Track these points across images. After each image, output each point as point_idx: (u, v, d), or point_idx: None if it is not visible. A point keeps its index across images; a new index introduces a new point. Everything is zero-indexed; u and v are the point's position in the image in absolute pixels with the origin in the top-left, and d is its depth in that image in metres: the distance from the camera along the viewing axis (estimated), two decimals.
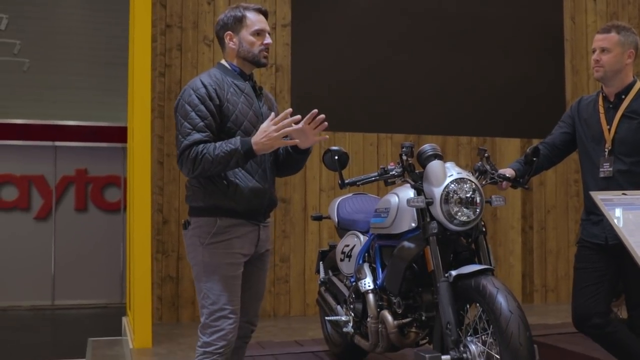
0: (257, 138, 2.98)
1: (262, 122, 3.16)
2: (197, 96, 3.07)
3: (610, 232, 3.41)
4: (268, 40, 3.26)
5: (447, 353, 2.97)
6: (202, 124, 3.04)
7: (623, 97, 3.65)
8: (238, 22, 3.22)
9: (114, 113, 10.14)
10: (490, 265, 3.15)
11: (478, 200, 3.15)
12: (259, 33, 3.23)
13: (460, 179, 3.16)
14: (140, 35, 5.65)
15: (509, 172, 3.58)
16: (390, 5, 7.39)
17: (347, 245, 4.05)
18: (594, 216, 3.62)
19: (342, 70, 7.14)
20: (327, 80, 7.03)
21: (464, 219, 3.13)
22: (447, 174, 3.17)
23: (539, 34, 7.87)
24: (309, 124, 3.09)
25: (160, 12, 6.72)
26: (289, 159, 3.33)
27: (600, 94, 3.75)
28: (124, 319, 6.85)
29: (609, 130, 3.62)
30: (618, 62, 3.61)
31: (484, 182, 3.32)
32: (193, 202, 3.19)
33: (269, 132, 2.96)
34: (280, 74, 7.00)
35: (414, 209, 3.29)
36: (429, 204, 3.14)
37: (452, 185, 3.14)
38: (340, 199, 4.44)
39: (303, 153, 3.27)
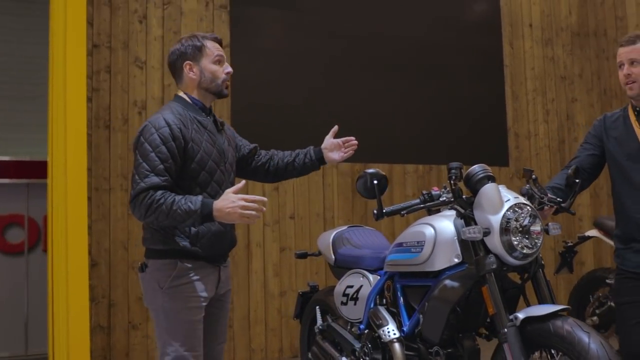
0: (220, 204, 2.77)
1: (225, 161, 3.06)
2: (159, 135, 2.85)
3: None
4: (229, 68, 3.08)
5: None
6: (161, 166, 2.83)
7: None
8: (198, 51, 3.03)
9: (8, 148, 9.21)
10: (554, 302, 2.72)
11: (539, 229, 2.71)
12: (219, 60, 3.05)
13: (518, 204, 2.72)
14: (73, 59, 5.05)
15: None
16: (332, 30, 6.97)
17: (351, 287, 3.50)
18: (636, 244, 3.26)
19: (284, 96, 6.65)
20: (268, 106, 6.52)
21: (525, 250, 2.69)
22: (504, 199, 2.72)
23: (479, 60, 7.68)
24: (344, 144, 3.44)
25: (87, 30, 5.98)
26: (310, 167, 3.69)
27: (631, 109, 3.41)
28: None
29: None
30: None
31: None
32: (151, 245, 3.01)
33: (236, 205, 2.73)
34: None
35: (455, 241, 2.83)
36: (486, 234, 2.68)
37: (510, 213, 2.69)
38: (335, 232, 3.88)
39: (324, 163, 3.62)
